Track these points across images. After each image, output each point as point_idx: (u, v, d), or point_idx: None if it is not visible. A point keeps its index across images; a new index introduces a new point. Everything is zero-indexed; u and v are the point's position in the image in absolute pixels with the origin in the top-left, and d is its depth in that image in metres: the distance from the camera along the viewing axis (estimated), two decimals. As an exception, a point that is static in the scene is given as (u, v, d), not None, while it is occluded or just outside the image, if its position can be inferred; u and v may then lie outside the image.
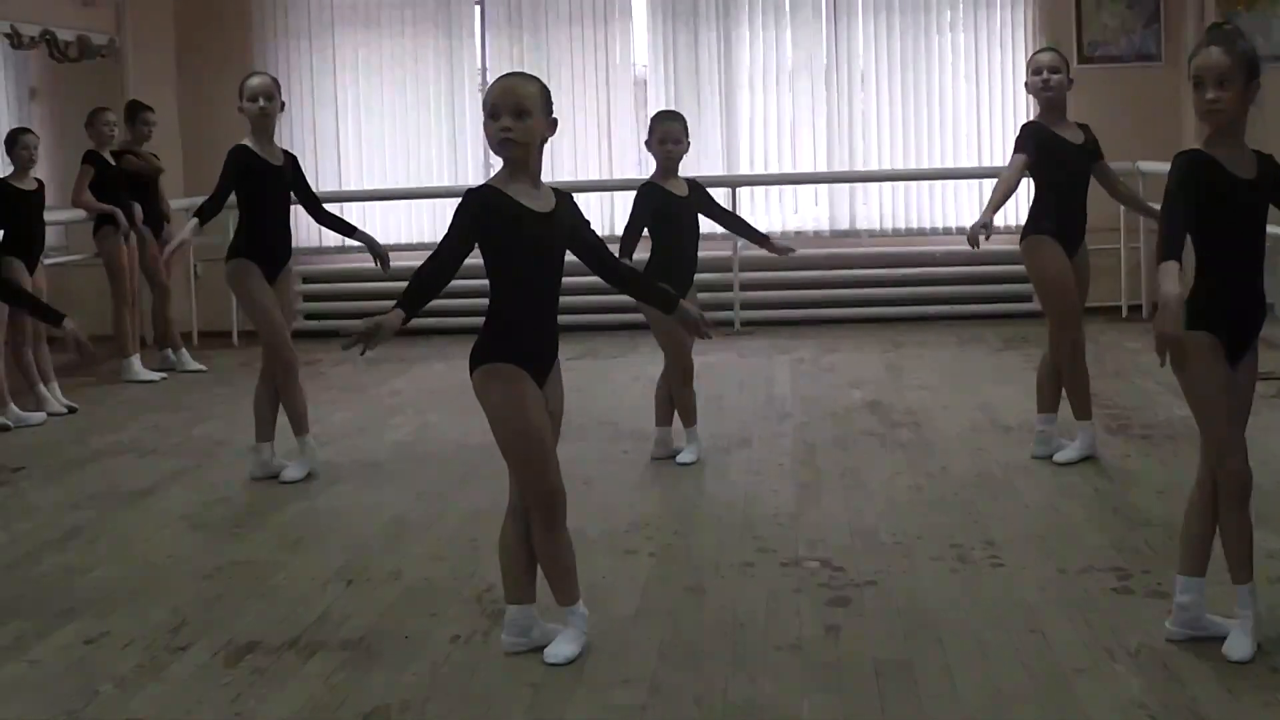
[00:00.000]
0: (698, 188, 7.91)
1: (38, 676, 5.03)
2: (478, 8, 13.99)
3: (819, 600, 5.51)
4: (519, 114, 4.75)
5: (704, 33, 13.70)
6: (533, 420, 4.83)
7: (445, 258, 4.75)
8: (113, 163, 11.46)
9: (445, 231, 4.77)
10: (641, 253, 7.64)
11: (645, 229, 7.68)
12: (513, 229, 4.76)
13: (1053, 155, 7.35)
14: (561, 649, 4.96)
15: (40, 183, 10.58)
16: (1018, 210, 13.27)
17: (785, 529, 6.53)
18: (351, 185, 13.90)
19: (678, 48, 13.74)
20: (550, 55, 13.81)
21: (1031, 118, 7.65)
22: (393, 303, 4.67)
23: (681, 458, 7.85)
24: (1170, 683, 4.56)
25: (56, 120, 13.23)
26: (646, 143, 7.84)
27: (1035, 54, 7.68)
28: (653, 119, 7.90)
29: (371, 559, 6.31)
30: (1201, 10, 12.91)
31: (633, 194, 13.77)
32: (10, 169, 10.47)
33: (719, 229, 8.48)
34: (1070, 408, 7.54)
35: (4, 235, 10.38)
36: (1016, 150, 7.47)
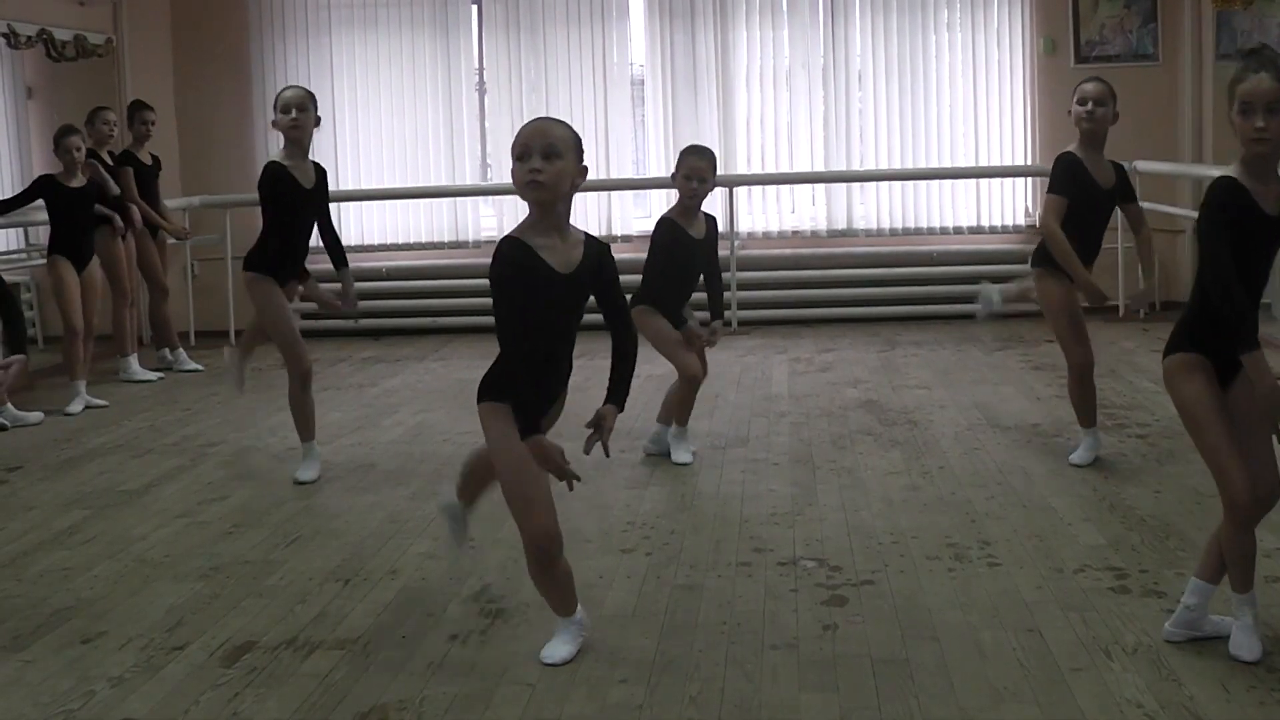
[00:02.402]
0: (713, 232, 7.86)
1: (34, 675, 5.02)
2: (475, 8, 13.99)
3: (816, 599, 5.51)
4: (549, 156, 4.64)
5: (701, 33, 13.70)
6: (525, 464, 4.78)
7: (514, 327, 4.70)
8: (111, 163, 11.46)
9: (494, 303, 4.69)
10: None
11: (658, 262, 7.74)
12: (530, 287, 4.68)
13: (1082, 194, 7.24)
14: (557, 650, 4.97)
15: (89, 180, 10.64)
16: (1003, 210, 13.42)
17: (782, 528, 6.53)
18: (348, 185, 13.90)
19: (675, 48, 13.75)
20: (547, 55, 13.82)
21: (1068, 148, 7.47)
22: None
23: (678, 457, 7.88)
24: (1167, 682, 4.56)
25: (53, 120, 13.21)
26: (672, 176, 7.72)
27: (1082, 83, 7.48)
28: (681, 154, 7.74)
29: (368, 558, 6.31)
30: (1198, 10, 12.93)
31: (628, 194, 13.87)
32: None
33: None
34: (1076, 417, 7.57)
35: (51, 234, 10.43)
36: (1053, 189, 7.27)
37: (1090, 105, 7.33)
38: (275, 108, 7.61)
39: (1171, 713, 4.33)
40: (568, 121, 4.84)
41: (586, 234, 4.91)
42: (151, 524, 7.08)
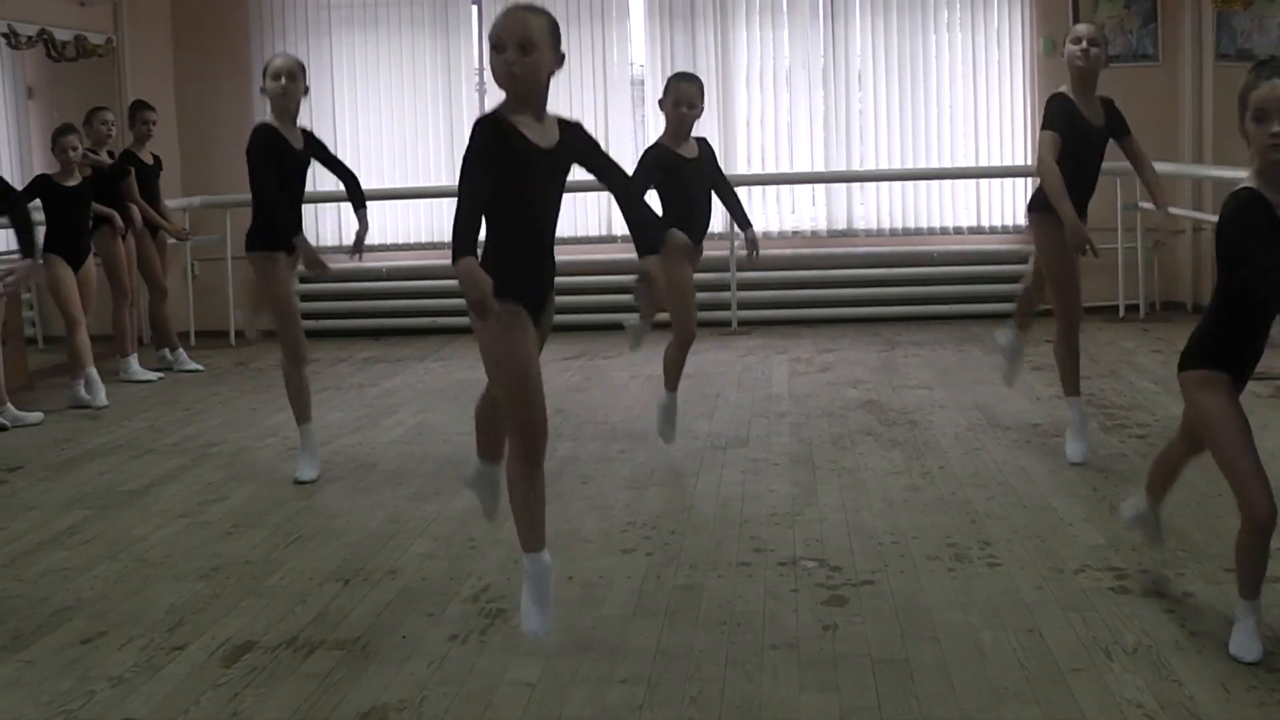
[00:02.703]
0: (707, 150, 7.90)
1: (34, 675, 5.02)
2: (475, 8, 13.99)
3: (816, 599, 5.51)
4: (524, 48, 4.67)
5: (701, 33, 13.70)
6: (521, 355, 4.80)
7: (477, 193, 4.57)
8: (110, 161, 11.46)
9: (462, 169, 4.59)
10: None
11: (654, 188, 7.68)
12: (513, 162, 4.69)
13: (1074, 132, 7.28)
14: (534, 620, 4.92)
15: (85, 179, 10.65)
16: (1004, 210, 13.41)
17: (782, 528, 6.53)
18: (349, 184, 13.88)
19: (675, 48, 13.74)
20: (548, 55, 13.79)
21: (1060, 88, 7.50)
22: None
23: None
24: (1167, 682, 4.56)
25: (53, 120, 13.21)
26: (660, 102, 7.76)
27: (1075, 25, 7.63)
28: (669, 80, 7.81)
29: (368, 558, 6.31)
30: (1198, 10, 12.93)
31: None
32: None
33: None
34: (1060, 382, 7.57)
35: (47, 233, 10.44)
36: (1045, 126, 7.32)
37: (1085, 44, 7.41)
38: (265, 74, 7.66)
39: (1171, 713, 4.33)
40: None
41: (560, 116, 4.94)
42: (152, 524, 7.08)
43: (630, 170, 4.85)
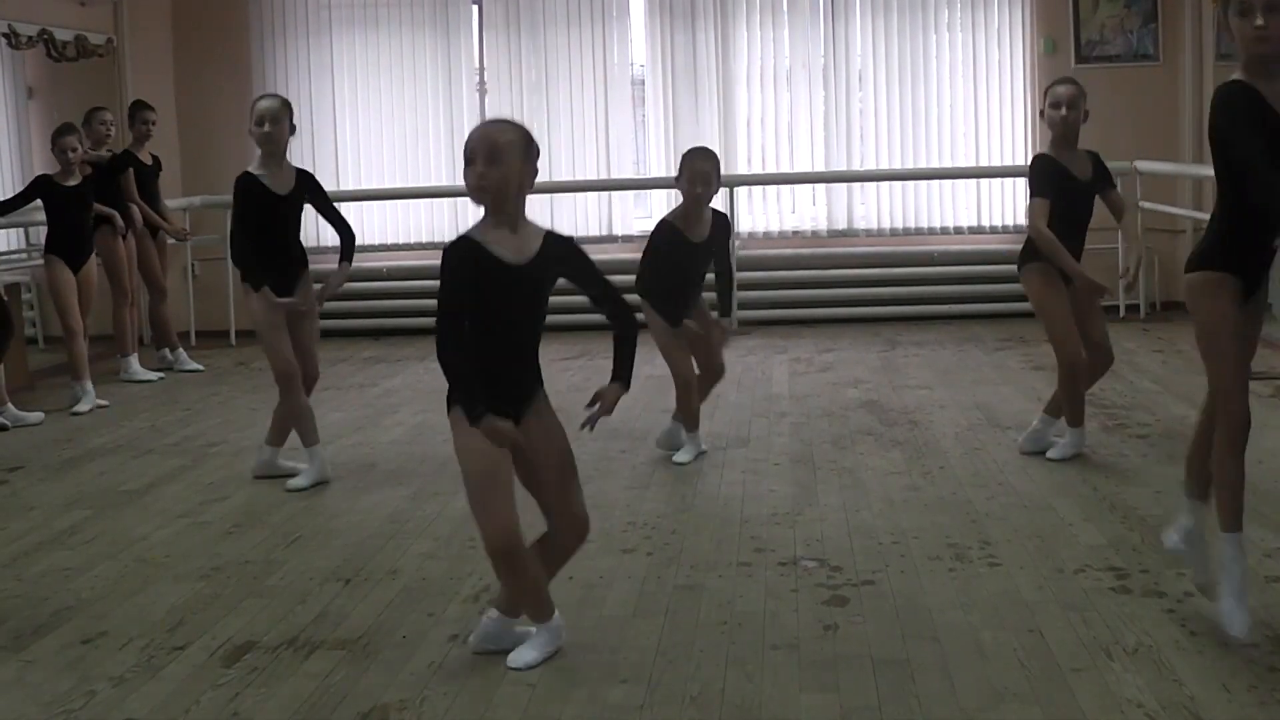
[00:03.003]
0: (721, 229, 7.84)
1: (35, 676, 5.02)
2: (475, 8, 13.99)
3: (816, 599, 5.51)
4: (492, 160, 4.67)
5: (701, 33, 13.70)
6: (485, 458, 4.74)
7: (454, 319, 4.65)
8: (109, 161, 11.46)
9: (439, 296, 4.66)
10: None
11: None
12: (484, 282, 4.69)
13: (1063, 192, 7.34)
14: (524, 655, 4.94)
15: (85, 179, 10.65)
16: (1004, 210, 13.41)
17: (783, 528, 6.53)
18: (349, 185, 13.90)
19: (675, 48, 13.75)
20: (548, 55, 13.82)
21: (1042, 150, 7.56)
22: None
23: (677, 457, 7.86)
24: (1168, 682, 4.56)
25: (53, 120, 13.21)
26: (676, 179, 7.71)
27: (1053, 85, 7.54)
28: (685, 157, 7.72)
29: (369, 558, 6.31)
30: (1199, 10, 12.93)
31: (629, 194, 13.87)
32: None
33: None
34: (1064, 415, 7.60)
35: (48, 233, 10.44)
36: (1035, 193, 7.35)
37: (1064, 109, 7.43)
38: (250, 117, 7.62)
39: (1172, 713, 4.33)
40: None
41: (549, 230, 4.91)
42: (152, 524, 7.08)
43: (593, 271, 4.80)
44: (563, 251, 4.89)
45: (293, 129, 7.72)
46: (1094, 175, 7.48)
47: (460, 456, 4.85)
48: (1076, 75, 11.99)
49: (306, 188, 7.81)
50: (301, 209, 7.80)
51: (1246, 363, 4.82)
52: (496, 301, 4.73)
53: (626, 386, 5.04)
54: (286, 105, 7.70)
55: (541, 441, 4.96)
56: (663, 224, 7.77)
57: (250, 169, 7.65)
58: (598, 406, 5.00)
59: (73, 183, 10.50)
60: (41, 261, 11.35)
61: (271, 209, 7.62)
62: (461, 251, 4.70)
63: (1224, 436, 4.75)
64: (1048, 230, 7.25)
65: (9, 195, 11.05)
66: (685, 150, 7.84)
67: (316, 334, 7.94)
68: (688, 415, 7.92)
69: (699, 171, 7.59)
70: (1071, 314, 7.46)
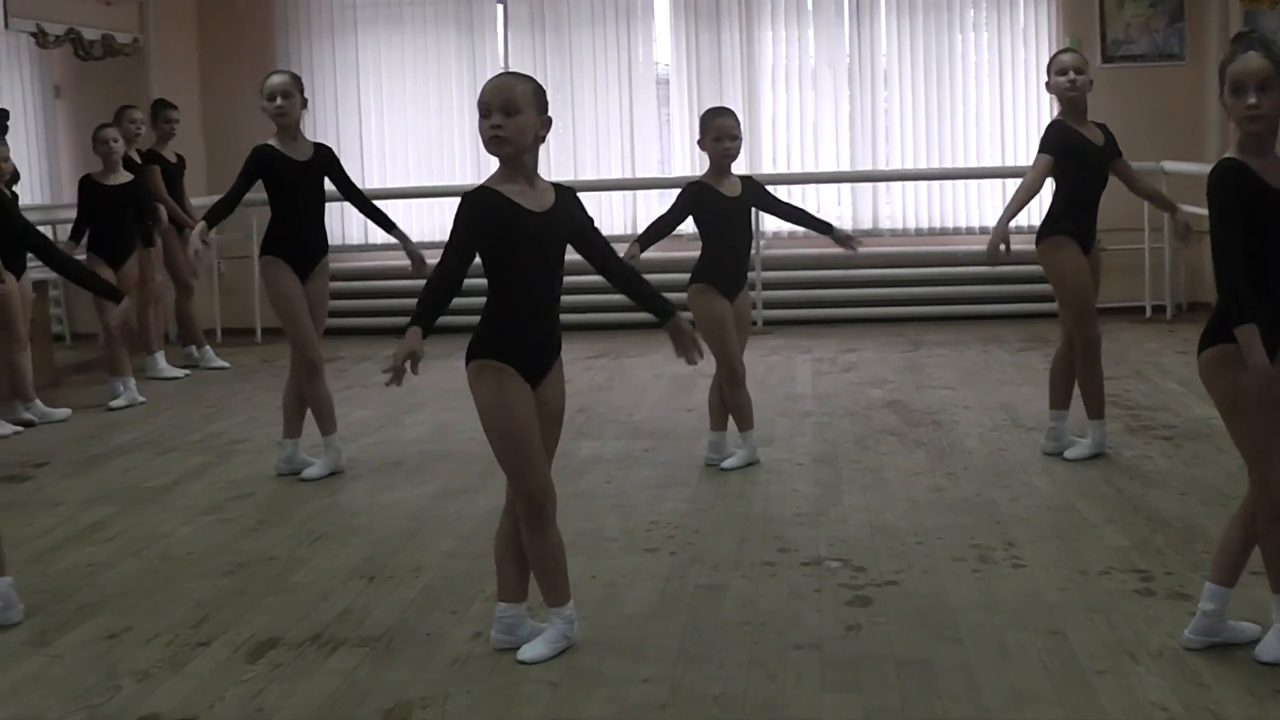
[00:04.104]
0: (752, 185, 7.73)
1: (60, 670, 5.04)
2: (500, 7, 14.00)
3: (839, 599, 5.51)
4: (509, 112, 4.74)
5: (726, 32, 13.70)
6: (518, 419, 4.81)
7: (452, 265, 4.72)
8: (139, 161, 11.50)
9: (448, 239, 4.75)
10: (692, 251, 7.63)
11: (690, 227, 7.64)
12: (508, 230, 4.75)
13: (1075, 156, 7.35)
14: (535, 649, 4.97)
15: (132, 176, 10.70)
16: (1029, 211, 13.35)
17: (806, 528, 6.52)
18: (374, 183, 13.91)
19: (700, 47, 13.74)
20: (573, 54, 13.83)
21: (1055, 116, 7.60)
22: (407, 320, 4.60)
23: (727, 463, 7.75)
24: (1192, 685, 4.54)
25: (81, 118, 13.29)
26: (699, 141, 7.63)
27: (1057, 54, 7.60)
28: (704, 116, 7.67)
29: (392, 556, 6.32)
30: (1225, 9, 12.89)
31: (654, 193, 13.87)
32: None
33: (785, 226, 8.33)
34: (1084, 405, 7.57)
35: (89, 233, 10.48)
36: (1043, 150, 7.42)
37: (1071, 74, 7.43)
38: (261, 94, 7.76)
39: (1196, 716, 4.32)
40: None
41: (556, 183, 4.97)
42: (176, 520, 7.10)
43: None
44: (575, 204, 4.98)
45: (304, 103, 7.88)
46: (1106, 141, 7.50)
47: (485, 415, 4.88)
48: (1102, 75, 11.99)
49: (325, 159, 7.92)
50: (322, 184, 7.88)
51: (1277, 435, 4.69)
52: (522, 250, 4.79)
53: (674, 314, 5.09)
54: (296, 80, 7.87)
55: (553, 403, 4.98)
56: (693, 185, 7.65)
57: (267, 141, 7.79)
58: (681, 345, 5.09)
59: (114, 181, 10.54)
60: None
61: (291, 178, 7.74)
62: (480, 198, 4.77)
63: (1267, 512, 4.63)
64: (1033, 183, 7.36)
65: (39, 192, 11.08)
66: (704, 111, 7.81)
67: (323, 322, 7.99)
68: (738, 413, 7.80)
69: (724, 126, 7.51)
70: (1091, 290, 7.44)
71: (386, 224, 8.03)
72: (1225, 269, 4.57)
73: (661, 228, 7.62)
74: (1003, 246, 7.20)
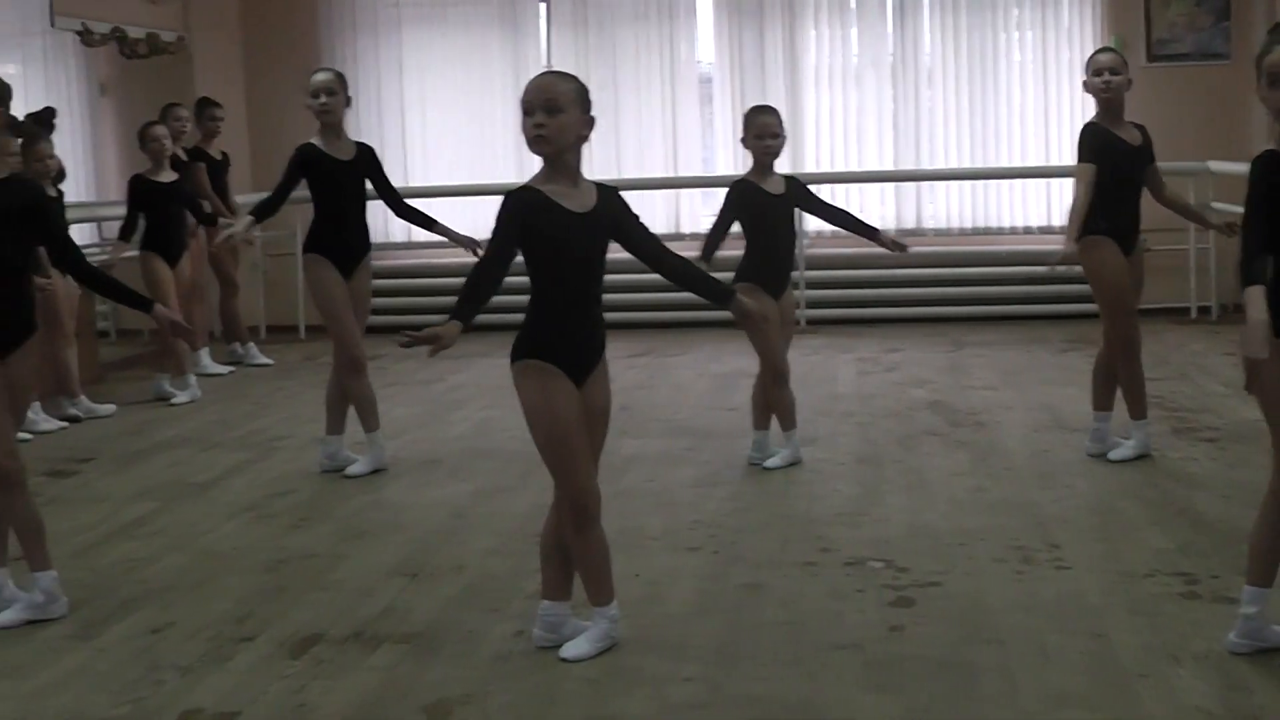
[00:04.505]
0: (796, 184, 7.70)
1: (103, 664, 5.07)
2: (543, 5, 14.01)
3: (881, 600, 5.50)
4: (551, 110, 4.73)
5: (769, 30, 13.68)
6: (563, 419, 4.82)
7: (493, 262, 4.75)
8: (184, 158, 11.55)
9: (490, 238, 4.76)
10: (736, 250, 7.61)
11: (735, 226, 7.60)
12: (548, 230, 4.75)
13: (1112, 157, 7.31)
14: (579, 647, 4.97)
15: (178, 174, 10.76)
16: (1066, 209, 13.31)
17: (847, 528, 6.51)
18: (417, 181, 13.95)
19: (743, 45, 13.72)
20: (615, 52, 13.83)
21: (1091, 118, 7.55)
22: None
23: (770, 462, 7.72)
24: (1236, 690, 4.51)
25: (126, 116, 13.37)
26: (742, 140, 7.61)
27: (1094, 54, 7.56)
28: (746, 114, 7.66)
29: (434, 553, 6.34)
30: (1271, 8, 12.80)
31: (697, 192, 13.87)
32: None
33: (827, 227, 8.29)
34: (1126, 407, 7.53)
35: (144, 230, 10.53)
36: (1083, 159, 7.35)
37: (1107, 75, 7.37)
38: (306, 91, 7.82)
39: (1239, 720, 4.30)
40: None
41: (598, 183, 4.96)
42: (219, 516, 7.14)
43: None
44: (617, 203, 4.96)
45: (348, 101, 7.90)
46: (1143, 142, 7.46)
47: (530, 415, 4.89)
48: (1147, 74, 11.97)
49: (366, 158, 7.94)
50: (364, 183, 7.92)
51: None
52: (563, 250, 4.79)
53: (734, 292, 5.12)
54: (341, 78, 7.90)
55: (598, 401, 4.98)
56: (737, 182, 7.63)
57: (310, 140, 7.83)
58: (748, 319, 5.16)
59: (166, 179, 10.59)
60: (109, 255, 11.48)
61: (334, 177, 7.77)
62: (522, 198, 4.77)
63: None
64: (1084, 192, 7.25)
65: (84, 189, 11.14)
66: (747, 110, 7.80)
67: (365, 319, 8.02)
68: (782, 413, 7.77)
69: (766, 125, 7.50)
70: (1130, 289, 7.40)
71: (427, 223, 8.08)
72: (1244, 241, 4.60)
73: (717, 234, 7.59)
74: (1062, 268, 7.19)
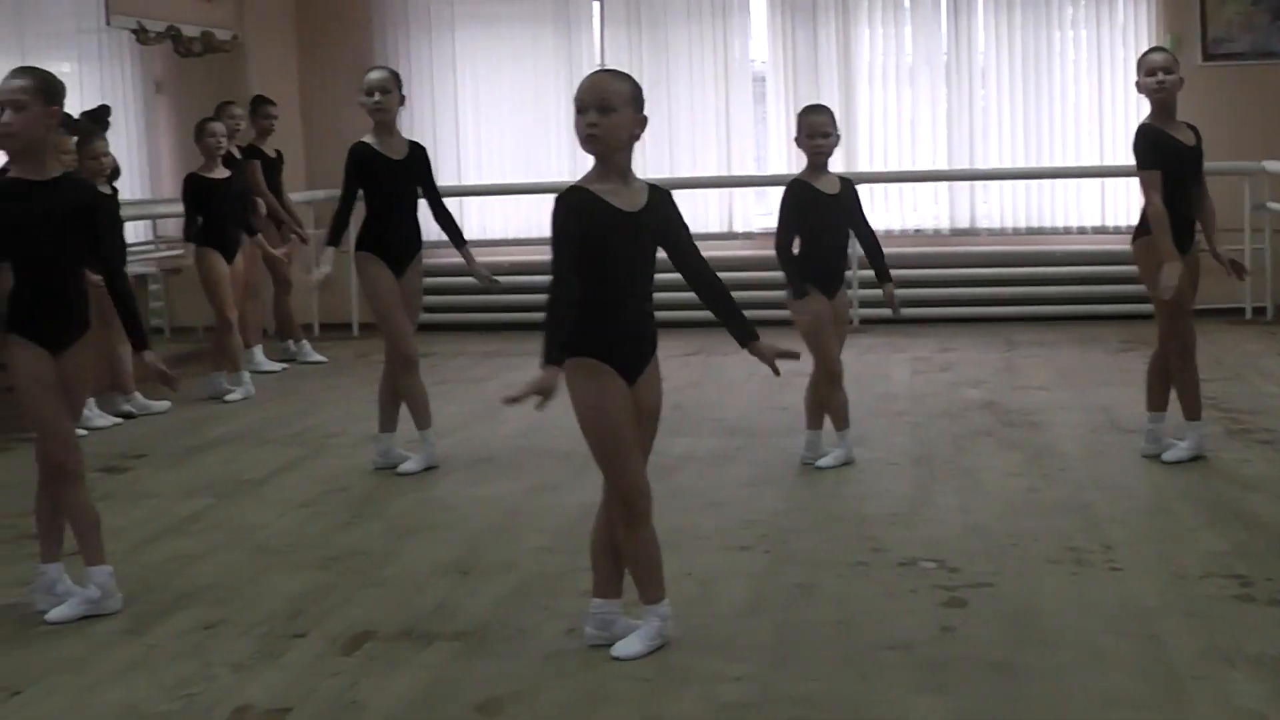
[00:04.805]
0: (850, 189, 7.66)
1: (156, 660, 5.10)
2: (597, 3, 14.03)
3: (933, 600, 5.47)
4: (604, 109, 4.74)
5: (823, 28, 13.66)
6: (614, 417, 4.83)
7: (565, 281, 4.74)
8: (238, 156, 11.60)
9: (552, 250, 4.76)
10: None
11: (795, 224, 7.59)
12: (599, 229, 4.75)
13: (1168, 158, 7.25)
14: (631, 646, 4.96)
15: (231, 170, 10.83)
16: (1129, 210, 13.23)
17: (900, 528, 6.49)
18: (470, 180, 14.00)
19: (796, 44, 13.71)
20: (668, 51, 13.83)
21: (1144, 119, 7.48)
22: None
23: (822, 461, 7.70)
24: (1291, 691, 4.49)
25: (180, 114, 13.45)
26: (795, 139, 7.59)
27: (1146, 54, 7.50)
28: (799, 114, 7.66)
29: (485, 550, 6.34)
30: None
31: (750, 191, 13.86)
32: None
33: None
34: (1180, 407, 7.48)
35: (202, 227, 10.60)
36: (1145, 165, 7.28)
37: (1160, 75, 7.32)
38: (360, 89, 7.83)
39: (1295, 723, 4.27)
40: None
41: (651, 183, 4.96)
42: (272, 513, 7.16)
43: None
44: (669, 206, 4.95)
45: (402, 100, 7.93)
46: (1197, 142, 7.41)
47: (581, 413, 4.90)
48: (1202, 73, 11.88)
49: (419, 158, 7.97)
50: (417, 181, 7.94)
51: None
52: (615, 250, 4.79)
53: (759, 338, 5.04)
54: (395, 76, 7.92)
55: (649, 400, 4.96)
56: (792, 182, 7.61)
57: (363, 139, 7.84)
58: (769, 362, 5.03)
59: (221, 176, 10.65)
60: (171, 253, 11.58)
61: (388, 175, 7.80)
62: (574, 199, 4.77)
63: None
64: (1161, 204, 7.18)
65: (141, 188, 11.19)
66: (800, 109, 7.78)
67: (417, 318, 8.04)
68: (834, 412, 7.74)
69: (815, 124, 7.49)
70: (1189, 291, 7.34)
71: (457, 239, 8.04)
72: None
73: (786, 232, 7.55)
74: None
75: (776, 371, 5.05)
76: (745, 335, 5.04)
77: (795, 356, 5.07)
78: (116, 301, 5.70)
